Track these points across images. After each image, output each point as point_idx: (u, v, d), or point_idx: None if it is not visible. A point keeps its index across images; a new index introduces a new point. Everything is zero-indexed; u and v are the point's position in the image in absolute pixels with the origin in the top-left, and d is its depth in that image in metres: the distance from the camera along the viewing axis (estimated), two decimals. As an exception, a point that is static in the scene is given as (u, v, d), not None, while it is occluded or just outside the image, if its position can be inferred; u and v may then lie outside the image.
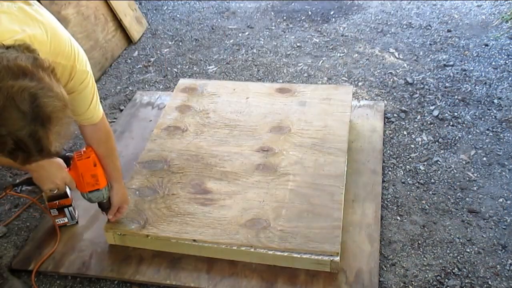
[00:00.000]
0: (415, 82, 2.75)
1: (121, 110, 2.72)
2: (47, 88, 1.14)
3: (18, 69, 1.11)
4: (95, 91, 1.56)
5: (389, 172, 2.16)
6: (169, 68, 3.11)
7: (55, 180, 1.66)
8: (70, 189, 1.86)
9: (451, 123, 2.42)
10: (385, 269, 1.76)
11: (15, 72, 1.10)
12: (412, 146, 2.31)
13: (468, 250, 1.81)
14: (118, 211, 1.83)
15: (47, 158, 1.23)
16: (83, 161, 1.65)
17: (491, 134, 2.33)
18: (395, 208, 2.00)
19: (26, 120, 1.11)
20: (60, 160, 1.68)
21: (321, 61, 3.04)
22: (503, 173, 2.12)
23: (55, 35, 1.37)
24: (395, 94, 2.66)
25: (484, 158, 2.20)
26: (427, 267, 1.76)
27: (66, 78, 1.42)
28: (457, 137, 2.33)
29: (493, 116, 2.43)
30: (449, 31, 3.21)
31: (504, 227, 1.88)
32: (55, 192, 1.80)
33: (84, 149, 1.67)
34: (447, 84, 2.70)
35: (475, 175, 2.12)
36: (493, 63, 2.84)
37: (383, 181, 2.11)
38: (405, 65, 2.92)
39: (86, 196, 1.72)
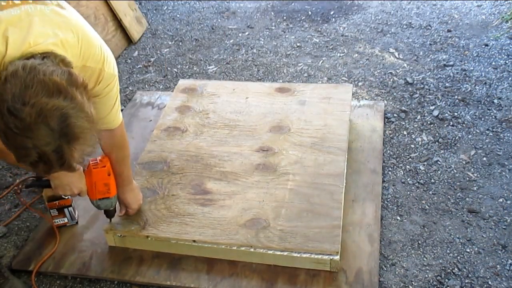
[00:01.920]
0: (415, 82, 2.75)
1: (121, 110, 2.71)
2: (78, 108, 1.17)
3: (53, 85, 1.14)
4: (118, 97, 1.57)
5: (389, 172, 2.16)
6: (169, 68, 3.11)
7: (73, 189, 1.67)
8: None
9: (451, 123, 2.42)
10: (385, 269, 1.76)
11: (50, 89, 1.13)
12: (412, 146, 2.30)
13: (468, 250, 1.81)
14: (129, 207, 1.85)
15: (66, 171, 1.26)
16: (99, 169, 1.67)
17: (491, 134, 2.33)
18: (395, 208, 2.00)
19: (54, 137, 1.14)
20: (81, 169, 1.68)
21: (321, 61, 3.04)
22: (503, 173, 2.12)
23: (86, 39, 1.38)
24: (395, 94, 2.66)
25: (484, 158, 2.20)
26: (427, 267, 1.76)
27: (94, 81, 1.44)
28: (457, 137, 2.33)
29: (493, 116, 2.43)
30: (449, 31, 3.21)
31: (504, 227, 1.88)
32: (66, 197, 1.85)
33: (100, 157, 1.68)
34: (447, 84, 2.70)
35: (475, 175, 2.12)
36: (493, 63, 2.83)
37: (383, 181, 2.11)
38: (405, 65, 2.91)
39: (95, 203, 1.74)
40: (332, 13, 3.58)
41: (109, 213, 1.82)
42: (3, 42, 1.22)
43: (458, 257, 1.78)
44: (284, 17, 3.59)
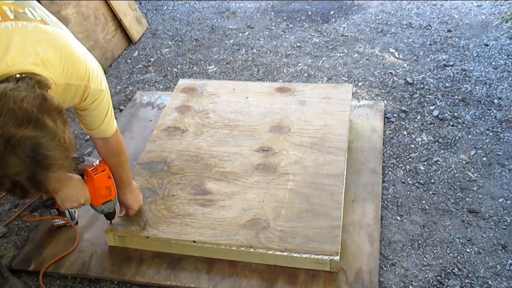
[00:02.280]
0: (415, 82, 2.75)
1: (121, 110, 2.72)
2: (50, 137, 1.13)
3: (23, 114, 1.10)
4: (110, 107, 1.55)
5: (389, 172, 2.16)
6: (169, 68, 3.11)
7: (80, 199, 1.65)
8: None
9: (451, 123, 2.42)
10: (385, 269, 1.76)
11: (19, 118, 1.10)
12: (412, 146, 2.30)
13: (468, 250, 1.81)
14: (129, 208, 1.85)
15: (45, 194, 1.26)
16: (99, 175, 1.64)
17: (491, 134, 2.33)
18: (395, 208, 2.00)
19: (25, 166, 1.11)
20: (80, 178, 1.66)
21: (321, 61, 3.04)
22: (503, 173, 2.12)
23: (69, 56, 1.35)
24: (395, 94, 2.66)
25: (484, 158, 2.20)
26: (427, 267, 1.76)
27: (79, 97, 1.42)
28: (457, 137, 2.32)
29: (493, 116, 2.43)
30: (449, 31, 3.21)
31: (504, 227, 1.88)
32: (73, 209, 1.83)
33: (98, 162, 1.67)
34: (447, 84, 2.70)
35: (475, 175, 2.12)
36: (493, 63, 2.83)
37: (383, 181, 2.11)
38: (405, 65, 2.91)
39: (99, 209, 1.73)
40: (332, 13, 3.58)
41: (110, 215, 1.82)
42: None
43: (458, 257, 1.78)
44: (284, 17, 3.59)
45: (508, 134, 2.31)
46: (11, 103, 1.09)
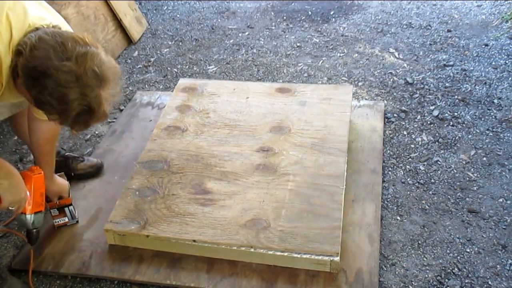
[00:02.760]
0: (415, 82, 2.75)
1: (121, 110, 2.72)
2: (103, 54, 1.34)
3: (80, 39, 1.30)
4: None
5: (389, 172, 2.16)
6: (169, 68, 3.11)
7: (21, 193, 1.54)
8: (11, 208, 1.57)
9: (451, 123, 2.42)
10: (385, 269, 1.76)
11: (80, 41, 1.29)
12: (412, 146, 2.30)
13: (468, 250, 1.81)
14: (59, 198, 1.91)
15: (102, 119, 1.39)
16: (37, 176, 1.57)
17: (491, 134, 2.33)
18: (395, 208, 2.00)
19: (97, 81, 1.28)
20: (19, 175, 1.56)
21: (321, 61, 3.04)
22: (503, 173, 2.12)
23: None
24: (395, 94, 2.66)
25: (484, 158, 2.20)
26: (427, 267, 1.76)
27: None
28: (457, 137, 2.33)
29: (493, 116, 2.43)
30: (449, 31, 3.21)
31: (504, 227, 1.88)
32: (13, 209, 1.55)
33: (30, 168, 1.63)
34: (447, 84, 2.70)
35: (475, 175, 2.12)
36: (493, 63, 2.84)
37: (383, 181, 2.11)
38: (405, 65, 2.91)
39: (29, 219, 1.58)
40: (332, 13, 3.58)
41: (34, 235, 1.65)
42: (7, 28, 1.31)
43: (458, 257, 1.78)
44: (284, 17, 3.59)
45: (508, 134, 2.31)
46: (65, 34, 1.31)
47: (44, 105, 1.30)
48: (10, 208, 1.52)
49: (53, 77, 1.24)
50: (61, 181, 1.92)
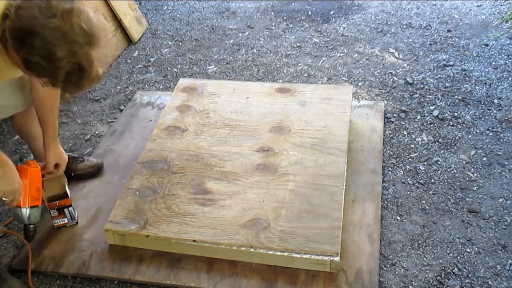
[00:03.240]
0: (415, 82, 2.75)
1: (121, 110, 2.72)
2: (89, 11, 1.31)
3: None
4: None
5: (389, 172, 2.16)
6: (169, 68, 3.11)
7: (15, 184, 1.51)
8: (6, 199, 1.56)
9: (451, 123, 2.42)
10: (385, 269, 1.76)
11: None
12: (412, 146, 2.30)
13: (468, 250, 1.81)
14: (55, 168, 1.88)
15: (95, 82, 1.35)
16: (33, 169, 1.54)
17: (491, 134, 2.33)
18: (395, 208, 2.00)
19: (85, 38, 1.25)
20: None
21: (321, 61, 3.04)
22: (503, 173, 2.12)
23: None
24: (395, 94, 2.66)
25: (484, 158, 2.20)
26: (427, 267, 1.76)
27: None
28: (457, 137, 2.33)
29: (493, 116, 2.43)
30: (449, 31, 3.21)
31: (504, 227, 1.88)
32: (6, 201, 1.52)
33: (27, 162, 1.62)
34: (447, 84, 2.70)
35: (475, 175, 2.12)
36: (493, 63, 2.84)
37: (383, 181, 2.11)
38: (405, 65, 2.91)
39: (25, 213, 1.56)
40: (332, 13, 3.58)
41: (32, 231, 1.64)
42: None
43: (458, 257, 1.78)
44: (284, 17, 3.59)
45: (508, 134, 2.31)
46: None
47: (34, 66, 1.27)
48: (3, 199, 1.48)
49: (39, 35, 1.21)
50: (62, 151, 1.91)
